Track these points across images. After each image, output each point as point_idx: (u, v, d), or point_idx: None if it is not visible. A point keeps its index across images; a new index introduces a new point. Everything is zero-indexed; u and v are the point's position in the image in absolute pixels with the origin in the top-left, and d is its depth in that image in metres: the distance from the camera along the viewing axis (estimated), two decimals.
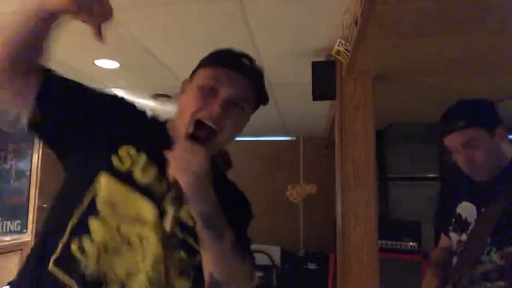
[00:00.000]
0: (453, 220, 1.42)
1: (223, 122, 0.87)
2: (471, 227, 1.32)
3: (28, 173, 3.36)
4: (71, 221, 0.80)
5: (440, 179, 3.92)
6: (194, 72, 0.99)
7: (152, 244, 0.80)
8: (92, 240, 0.79)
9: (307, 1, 1.91)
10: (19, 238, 3.26)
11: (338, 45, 2.09)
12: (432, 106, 2.60)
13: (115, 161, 0.84)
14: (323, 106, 3.50)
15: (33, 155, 3.42)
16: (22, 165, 3.29)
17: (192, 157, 0.76)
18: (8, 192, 3.16)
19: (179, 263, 0.84)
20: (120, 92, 3.65)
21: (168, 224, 0.78)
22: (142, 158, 0.85)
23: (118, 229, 0.80)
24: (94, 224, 0.80)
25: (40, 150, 3.51)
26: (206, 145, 0.81)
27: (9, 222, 3.14)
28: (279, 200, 5.31)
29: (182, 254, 0.84)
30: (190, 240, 0.84)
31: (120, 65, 2.88)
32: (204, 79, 0.90)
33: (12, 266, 3.22)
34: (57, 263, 0.78)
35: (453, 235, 1.40)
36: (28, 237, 3.35)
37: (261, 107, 1.04)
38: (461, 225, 1.37)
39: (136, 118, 0.93)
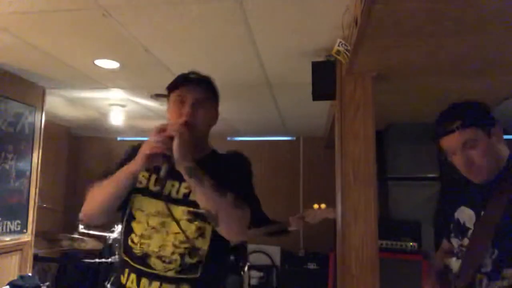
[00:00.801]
0: (452, 225, 1.41)
1: (194, 116, 1.31)
2: (470, 231, 1.31)
3: (28, 173, 3.35)
4: (124, 226, 1.35)
5: (440, 179, 3.92)
6: (168, 97, 1.42)
7: (170, 225, 1.28)
8: (135, 234, 1.31)
9: (307, 1, 1.91)
10: (19, 238, 3.25)
11: (338, 45, 2.09)
12: (432, 106, 2.59)
13: (137, 183, 1.33)
14: (323, 106, 3.50)
15: (33, 155, 3.42)
16: (22, 165, 3.29)
17: (177, 133, 1.19)
18: (8, 192, 3.15)
19: (195, 230, 1.27)
20: (120, 92, 3.65)
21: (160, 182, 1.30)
22: (153, 177, 1.35)
23: (147, 223, 1.30)
24: (133, 224, 1.33)
25: (40, 150, 3.51)
26: (189, 131, 1.24)
27: (9, 222, 3.14)
28: (279, 200, 5.31)
29: (196, 223, 1.27)
30: (199, 214, 1.26)
31: (120, 65, 2.88)
32: (175, 98, 1.37)
33: (12, 266, 3.21)
34: (124, 251, 1.33)
35: (454, 240, 1.40)
36: (28, 237, 3.34)
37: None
38: (460, 230, 1.36)
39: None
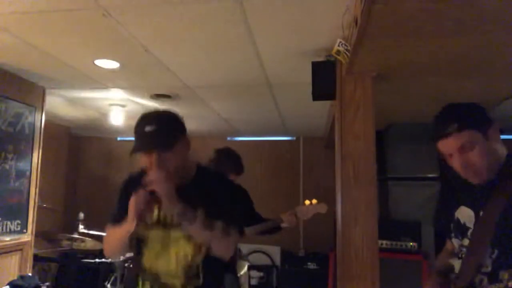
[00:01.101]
0: (452, 226, 1.41)
1: (162, 168, 1.42)
2: (470, 231, 1.31)
3: (28, 173, 3.35)
4: (136, 250, 1.59)
5: (440, 179, 3.92)
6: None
7: (171, 246, 1.52)
8: (146, 257, 1.55)
9: (307, 1, 1.91)
10: (19, 238, 3.25)
11: (338, 45, 2.09)
12: (432, 106, 2.59)
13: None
14: (323, 106, 3.50)
15: (33, 155, 3.41)
16: (22, 165, 3.29)
17: (156, 187, 1.39)
18: (8, 192, 3.15)
19: (193, 247, 1.49)
20: (120, 92, 3.65)
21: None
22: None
23: (153, 248, 1.54)
24: (143, 250, 1.57)
25: (40, 150, 3.51)
26: (166, 179, 1.40)
27: (9, 222, 3.14)
28: (279, 200, 5.31)
29: (193, 241, 1.49)
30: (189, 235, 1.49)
31: (120, 65, 2.88)
32: (141, 157, 1.48)
33: (12, 266, 3.21)
34: (138, 268, 1.58)
35: (455, 240, 1.40)
36: (28, 237, 3.34)
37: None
38: (460, 230, 1.36)
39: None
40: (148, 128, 1.43)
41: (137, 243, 1.58)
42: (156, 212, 1.53)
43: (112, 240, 1.58)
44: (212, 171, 1.70)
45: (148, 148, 1.43)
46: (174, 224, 1.50)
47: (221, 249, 1.49)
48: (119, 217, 1.50)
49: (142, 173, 1.49)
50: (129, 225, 1.42)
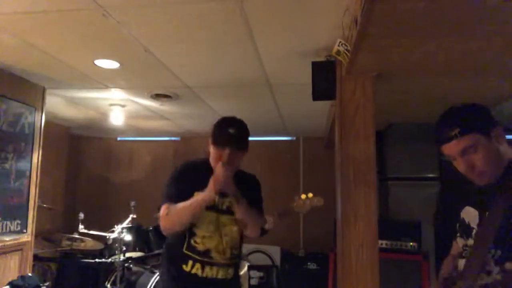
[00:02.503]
0: (458, 225, 1.41)
1: (233, 162, 1.78)
2: (474, 231, 1.31)
3: (28, 173, 3.35)
4: (188, 231, 1.85)
5: (440, 179, 3.92)
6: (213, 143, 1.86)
7: (221, 228, 1.85)
8: (197, 236, 1.84)
9: (307, 1, 1.91)
10: (19, 238, 3.25)
11: (338, 45, 2.09)
12: (432, 106, 2.60)
13: None
14: (323, 106, 3.50)
15: (33, 155, 3.41)
16: (22, 165, 3.29)
17: (224, 173, 1.69)
18: (8, 192, 3.15)
19: (236, 230, 1.88)
20: (120, 92, 3.65)
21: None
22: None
23: (207, 228, 1.84)
24: (195, 230, 1.84)
25: (40, 150, 3.51)
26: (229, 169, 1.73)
27: (9, 222, 3.14)
28: (279, 200, 5.31)
29: (236, 226, 1.87)
30: (236, 220, 1.87)
31: (120, 65, 2.88)
32: (216, 149, 1.83)
33: (12, 266, 3.21)
34: (186, 248, 1.85)
35: (460, 240, 1.40)
36: (28, 237, 3.34)
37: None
38: (466, 230, 1.36)
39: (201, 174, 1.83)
40: (231, 130, 1.80)
41: (190, 225, 1.83)
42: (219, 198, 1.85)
43: (181, 211, 1.74)
44: (248, 174, 2.04)
45: (230, 145, 1.77)
46: (224, 210, 1.86)
47: (254, 229, 1.87)
48: (181, 194, 1.76)
49: (204, 162, 1.88)
50: (208, 193, 1.69)
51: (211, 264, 1.83)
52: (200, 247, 1.83)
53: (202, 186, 1.73)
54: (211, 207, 1.82)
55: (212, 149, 1.85)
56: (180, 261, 1.85)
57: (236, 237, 1.89)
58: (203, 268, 1.82)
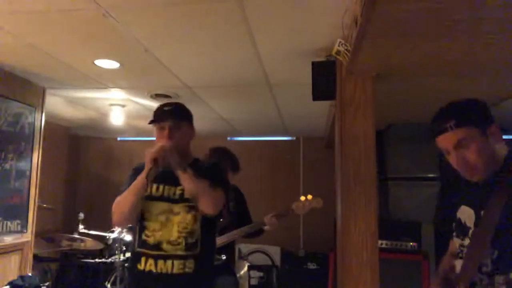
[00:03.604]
0: (454, 225, 1.41)
1: (172, 136, 1.78)
2: (470, 231, 1.31)
3: (28, 173, 3.35)
4: (138, 226, 1.82)
5: (440, 179, 3.92)
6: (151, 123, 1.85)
7: (173, 218, 1.76)
8: (148, 230, 1.78)
9: (307, 1, 1.91)
10: (19, 238, 3.25)
11: (338, 45, 2.09)
12: (432, 106, 2.59)
13: (148, 191, 1.80)
14: (323, 106, 3.50)
15: (33, 155, 3.41)
16: (22, 165, 3.29)
17: (159, 146, 1.70)
18: (8, 192, 3.15)
19: (191, 217, 1.76)
20: (120, 92, 3.65)
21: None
22: (154, 186, 1.81)
23: (157, 219, 1.77)
24: (145, 223, 1.79)
25: (40, 150, 3.51)
26: (172, 145, 1.74)
27: (9, 222, 3.14)
28: (279, 200, 5.31)
29: (191, 213, 1.76)
30: (192, 206, 1.76)
31: (120, 65, 2.88)
32: (157, 130, 1.83)
33: (12, 266, 3.21)
34: (138, 245, 1.79)
35: (456, 240, 1.40)
36: (28, 237, 3.34)
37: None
38: (462, 229, 1.36)
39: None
40: (166, 108, 1.84)
41: (140, 219, 1.80)
42: (161, 187, 1.80)
43: (124, 201, 1.75)
44: (205, 162, 2.01)
45: (163, 119, 1.79)
46: (177, 199, 1.78)
47: (207, 202, 1.71)
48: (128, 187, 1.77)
49: None
50: (146, 169, 1.67)
51: (164, 258, 1.71)
52: (150, 240, 1.74)
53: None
54: (161, 197, 1.78)
55: (154, 132, 1.84)
56: (135, 261, 1.78)
57: (192, 224, 1.75)
58: (156, 263, 1.72)
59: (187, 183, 1.71)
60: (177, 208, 1.76)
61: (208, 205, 1.71)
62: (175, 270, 1.70)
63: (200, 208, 1.71)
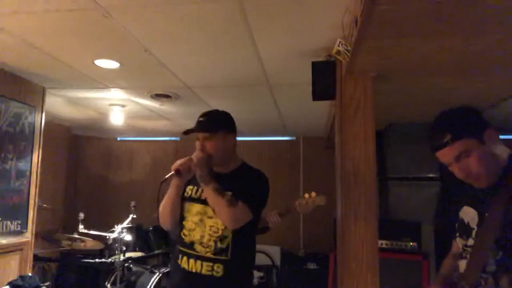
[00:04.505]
0: (457, 225, 1.41)
1: (204, 148, 1.84)
2: (474, 232, 1.31)
3: (28, 173, 3.35)
4: (179, 225, 1.89)
5: (440, 179, 3.91)
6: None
7: (206, 220, 1.81)
8: (185, 229, 1.85)
9: (307, 1, 1.91)
10: (19, 238, 3.26)
11: (338, 45, 2.09)
12: (432, 106, 2.60)
13: (184, 194, 1.91)
14: (323, 106, 3.50)
15: (33, 155, 3.41)
16: (22, 165, 3.29)
17: (194, 157, 1.79)
18: (8, 192, 3.15)
19: (223, 224, 1.78)
20: (120, 92, 3.65)
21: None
22: (194, 188, 1.90)
23: (192, 220, 1.84)
24: (184, 223, 1.87)
25: (40, 150, 3.51)
26: (207, 157, 1.81)
27: (9, 222, 3.14)
28: (279, 200, 5.31)
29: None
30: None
31: (120, 65, 2.88)
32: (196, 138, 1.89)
33: (12, 266, 3.21)
34: (178, 242, 1.88)
35: (459, 240, 1.40)
36: (28, 237, 3.34)
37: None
38: (465, 230, 1.36)
39: None
40: (202, 117, 1.88)
41: (180, 219, 1.88)
42: (199, 190, 1.86)
43: (164, 204, 1.86)
44: (253, 169, 1.97)
45: (196, 129, 1.84)
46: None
47: (222, 218, 1.76)
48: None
49: None
50: (173, 180, 1.79)
51: (195, 258, 1.78)
52: (186, 239, 1.82)
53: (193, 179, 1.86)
54: (196, 199, 1.85)
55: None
56: (176, 257, 1.87)
57: (223, 230, 1.77)
58: (188, 261, 1.80)
59: (208, 197, 1.77)
60: (210, 211, 1.79)
61: (224, 221, 1.76)
62: (203, 271, 1.76)
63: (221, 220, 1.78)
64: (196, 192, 1.87)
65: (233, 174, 1.89)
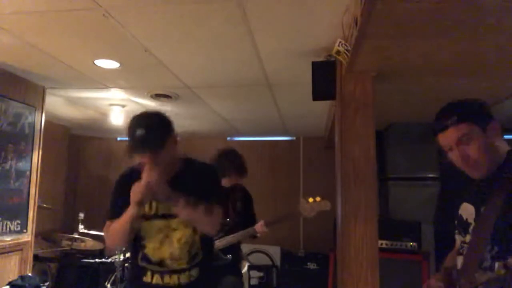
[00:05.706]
0: (456, 222, 1.42)
1: (155, 165, 1.60)
2: (471, 227, 1.32)
3: (28, 173, 3.35)
4: (136, 243, 1.75)
5: (440, 179, 3.91)
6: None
7: (172, 234, 1.70)
8: (148, 248, 1.72)
9: (307, 1, 1.91)
10: (19, 238, 3.25)
11: (338, 45, 2.09)
12: (432, 106, 2.59)
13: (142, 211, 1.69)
14: (323, 106, 3.51)
15: (33, 155, 3.41)
16: (22, 165, 3.29)
17: (145, 181, 1.59)
18: (8, 192, 3.15)
19: (191, 230, 1.71)
20: (120, 92, 3.65)
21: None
22: (147, 205, 1.71)
23: (156, 239, 1.71)
24: (144, 242, 1.73)
25: (40, 150, 3.51)
26: (156, 173, 1.60)
27: (9, 222, 3.14)
28: (279, 200, 5.31)
29: (189, 226, 1.70)
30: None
31: (120, 65, 2.88)
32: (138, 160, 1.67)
33: (12, 266, 3.21)
34: (140, 260, 1.73)
35: (458, 237, 1.40)
36: (28, 237, 3.34)
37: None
38: (463, 226, 1.37)
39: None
40: (139, 132, 1.56)
41: (135, 239, 1.74)
42: (155, 205, 1.71)
43: (116, 229, 1.69)
44: (198, 162, 1.84)
45: (141, 151, 1.59)
46: (172, 214, 1.68)
47: (204, 228, 1.71)
48: (119, 210, 1.66)
49: (138, 167, 1.66)
50: (132, 209, 1.60)
51: (170, 273, 1.70)
52: (153, 258, 1.71)
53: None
54: (153, 216, 1.70)
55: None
56: (140, 274, 1.73)
57: (192, 238, 1.71)
58: (162, 277, 1.70)
59: (181, 214, 1.63)
60: (174, 223, 1.70)
61: (205, 230, 1.72)
62: (182, 281, 1.70)
63: (199, 230, 1.71)
64: (150, 209, 1.71)
65: (182, 173, 1.73)
